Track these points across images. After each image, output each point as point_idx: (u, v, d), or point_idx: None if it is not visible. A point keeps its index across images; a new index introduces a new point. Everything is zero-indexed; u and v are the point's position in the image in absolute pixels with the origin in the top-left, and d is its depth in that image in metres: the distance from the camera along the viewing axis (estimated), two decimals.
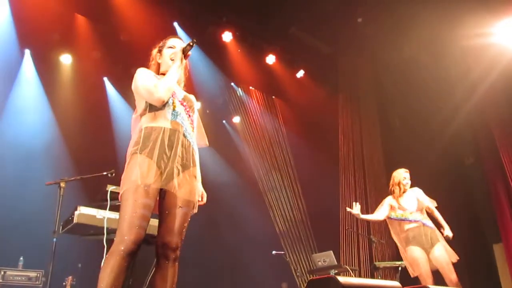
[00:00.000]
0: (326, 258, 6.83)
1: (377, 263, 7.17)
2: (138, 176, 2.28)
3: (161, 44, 2.88)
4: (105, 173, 4.39)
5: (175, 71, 2.59)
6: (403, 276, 6.48)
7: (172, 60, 2.76)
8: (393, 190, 4.87)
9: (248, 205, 9.14)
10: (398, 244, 4.84)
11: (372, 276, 7.65)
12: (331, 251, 6.89)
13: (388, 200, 4.88)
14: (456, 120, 8.11)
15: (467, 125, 8.04)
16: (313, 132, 9.55)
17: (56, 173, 4.94)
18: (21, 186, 6.37)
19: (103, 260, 2.25)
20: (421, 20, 7.43)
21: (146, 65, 2.81)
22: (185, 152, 2.50)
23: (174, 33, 8.11)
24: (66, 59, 7.69)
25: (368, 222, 9.03)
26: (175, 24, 8.15)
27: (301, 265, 8.70)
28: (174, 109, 2.54)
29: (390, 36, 8.16)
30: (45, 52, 7.54)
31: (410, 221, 4.60)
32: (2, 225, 5.93)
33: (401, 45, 8.33)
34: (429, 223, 4.62)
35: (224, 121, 10.42)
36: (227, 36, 8.31)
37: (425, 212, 4.70)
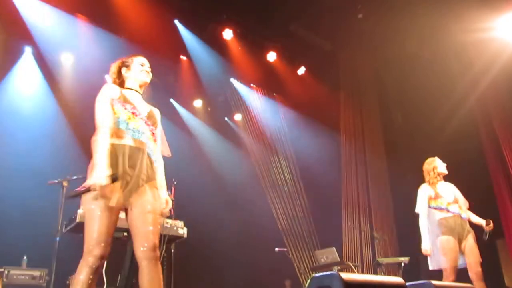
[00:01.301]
0: (328, 254, 6.83)
1: (379, 259, 7.18)
2: (98, 197, 2.41)
3: (127, 60, 2.97)
4: None
5: (97, 167, 2.49)
6: (406, 272, 6.50)
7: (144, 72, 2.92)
8: (429, 178, 4.68)
9: (250, 202, 9.15)
10: (425, 235, 4.55)
11: (375, 272, 7.66)
12: (334, 248, 6.89)
13: (424, 191, 4.65)
14: (458, 116, 8.09)
15: (469, 120, 8.02)
16: (314, 129, 9.54)
17: (59, 172, 4.95)
18: (24, 185, 6.38)
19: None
20: (421, 15, 7.41)
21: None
22: (148, 169, 2.65)
23: (175, 31, 8.14)
24: (67, 59, 7.70)
25: (370, 218, 9.06)
26: (176, 22, 8.16)
27: (304, 262, 8.71)
28: (137, 128, 2.69)
29: (391, 31, 8.14)
30: (47, 52, 7.55)
31: (448, 211, 4.46)
32: (5, 224, 5.95)
33: (402, 40, 8.30)
34: (466, 216, 4.53)
35: (226, 118, 10.42)
36: (227, 34, 8.31)
37: (463, 207, 4.60)
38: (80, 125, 7.57)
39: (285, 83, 9.58)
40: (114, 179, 2.42)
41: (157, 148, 2.79)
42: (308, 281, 2.43)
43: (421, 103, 8.53)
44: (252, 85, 9.94)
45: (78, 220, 3.97)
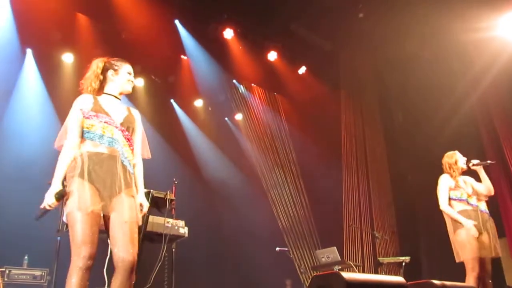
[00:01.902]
0: (329, 254, 6.83)
1: (380, 259, 7.18)
2: (76, 201, 2.53)
3: (115, 63, 2.99)
4: None
5: (52, 186, 2.67)
6: (407, 271, 6.50)
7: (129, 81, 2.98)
8: (451, 171, 4.60)
9: (251, 202, 9.15)
10: (458, 216, 4.46)
11: (376, 272, 7.67)
12: (335, 247, 6.88)
13: (445, 181, 4.59)
14: (459, 115, 8.08)
15: (470, 119, 8.02)
16: (315, 128, 9.54)
17: None
18: (25, 185, 6.38)
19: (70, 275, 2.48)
20: (422, 14, 7.41)
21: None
22: (123, 176, 2.71)
23: (175, 30, 8.14)
24: (68, 58, 7.71)
25: (371, 217, 9.06)
26: (176, 21, 8.15)
27: (305, 262, 8.71)
28: (111, 137, 2.74)
29: (392, 31, 8.13)
30: (47, 51, 7.56)
31: (468, 203, 4.43)
32: (6, 224, 5.95)
33: (402, 40, 8.30)
34: (486, 209, 4.50)
35: (226, 118, 10.42)
36: (228, 33, 8.30)
37: (482, 199, 4.56)
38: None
39: (286, 83, 9.58)
40: (59, 197, 2.57)
41: (135, 153, 2.87)
42: (309, 280, 2.43)
43: (422, 103, 8.53)
44: (252, 84, 9.94)
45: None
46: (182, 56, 8.75)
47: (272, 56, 8.99)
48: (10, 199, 6.27)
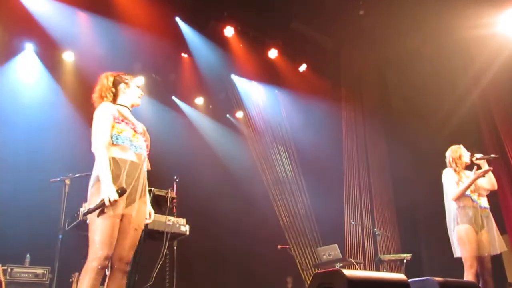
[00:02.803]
0: (331, 251, 6.84)
1: (382, 256, 7.19)
2: (113, 207, 2.61)
3: (126, 77, 3.11)
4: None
5: (104, 183, 2.66)
6: (408, 268, 6.51)
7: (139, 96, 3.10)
8: (455, 165, 4.56)
9: (252, 199, 9.15)
10: (450, 222, 4.49)
11: (377, 269, 7.67)
12: (336, 245, 6.90)
13: (450, 174, 4.54)
14: (460, 112, 8.07)
15: (471, 117, 8.00)
16: (316, 126, 9.53)
17: (61, 170, 4.95)
18: (26, 183, 6.39)
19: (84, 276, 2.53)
20: (423, 11, 7.39)
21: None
22: (143, 183, 2.86)
23: (176, 28, 8.13)
24: (69, 56, 7.71)
25: (373, 215, 9.07)
26: (177, 19, 8.14)
27: (306, 259, 8.72)
28: (138, 143, 2.88)
29: (392, 28, 8.12)
30: (48, 50, 7.55)
31: (471, 199, 4.39)
32: (8, 222, 5.95)
33: (403, 37, 8.28)
34: (486, 205, 4.48)
35: (227, 115, 10.42)
36: (229, 31, 8.29)
37: (484, 194, 4.53)
38: (82, 123, 7.58)
39: (287, 80, 9.57)
40: (121, 193, 2.63)
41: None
42: (311, 278, 2.44)
43: (423, 100, 8.51)
44: (253, 82, 9.93)
45: (80, 218, 3.98)
46: (183, 54, 8.74)
47: (273, 53, 8.97)
48: (12, 197, 6.27)
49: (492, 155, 4.51)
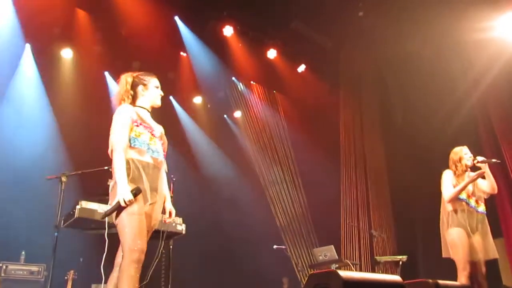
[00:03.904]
0: (327, 252, 6.84)
1: (377, 258, 7.20)
2: (134, 204, 2.65)
3: (144, 78, 3.07)
4: (106, 167, 4.40)
5: (119, 185, 2.67)
6: (404, 270, 6.51)
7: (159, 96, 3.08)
8: (455, 169, 4.51)
9: (249, 199, 9.15)
10: (443, 223, 4.48)
11: (373, 270, 7.68)
12: (332, 246, 6.90)
13: (449, 176, 4.50)
14: (459, 115, 8.08)
15: (470, 120, 8.01)
16: (314, 126, 9.54)
17: (57, 168, 4.94)
18: (22, 180, 6.38)
19: (120, 270, 2.55)
20: (422, 13, 7.39)
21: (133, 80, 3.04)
22: (162, 186, 2.93)
23: (175, 28, 8.12)
24: (67, 53, 7.70)
25: (369, 216, 9.07)
26: (176, 18, 8.13)
27: (302, 260, 8.73)
28: (155, 147, 2.90)
29: (392, 30, 8.12)
30: (46, 46, 7.54)
31: (467, 204, 4.37)
32: (4, 220, 5.95)
33: (402, 39, 8.29)
34: (484, 210, 4.46)
35: (225, 116, 10.41)
36: (228, 31, 8.28)
37: (482, 199, 4.50)
38: (79, 119, 7.57)
39: (285, 81, 9.57)
40: (136, 193, 2.65)
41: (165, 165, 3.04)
42: (306, 278, 2.44)
43: (422, 103, 8.52)
44: (252, 82, 9.92)
45: (76, 215, 3.97)
46: (182, 53, 8.73)
47: (272, 53, 8.98)
48: (8, 194, 6.25)
49: (494, 160, 4.49)
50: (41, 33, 7.20)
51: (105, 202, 3.84)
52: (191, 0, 7.86)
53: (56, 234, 4.07)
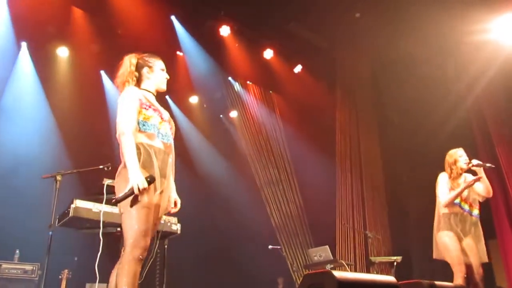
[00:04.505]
0: (322, 253, 6.85)
1: (372, 258, 7.22)
2: (144, 194, 2.49)
3: (149, 60, 2.91)
4: (101, 166, 4.39)
5: (131, 170, 2.51)
6: (398, 271, 6.53)
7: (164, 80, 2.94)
8: (449, 170, 4.50)
9: (244, 200, 9.15)
10: (436, 225, 4.52)
11: (368, 271, 7.70)
12: (327, 246, 6.91)
13: (444, 179, 4.49)
14: (454, 118, 8.10)
15: (465, 123, 8.03)
16: (310, 127, 9.55)
17: (53, 166, 4.93)
18: (17, 179, 6.35)
19: (120, 266, 2.44)
20: (419, 15, 7.41)
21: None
22: (170, 172, 2.78)
23: (171, 28, 8.10)
24: (63, 52, 7.67)
25: (364, 217, 9.08)
26: (172, 17, 8.12)
27: (297, 260, 8.73)
28: (165, 131, 2.77)
29: (388, 31, 8.14)
30: (42, 45, 7.51)
31: (460, 208, 4.37)
32: None
33: (399, 40, 8.31)
34: (477, 214, 4.46)
35: (221, 116, 10.40)
36: (224, 31, 8.28)
37: (477, 202, 4.50)
38: (75, 119, 7.55)
39: (282, 81, 9.57)
40: (151, 181, 2.49)
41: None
42: (301, 279, 2.44)
43: (418, 105, 8.54)
44: (248, 82, 9.92)
45: (71, 214, 3.95)
46: (178, 52, 8.72)
47: (268, 54, 8.98)
48: (3, 193, 6.23)
49: (488, 164, 4.43)
50: (37, 32, 7.17)
51: (100, 201, 3.83)
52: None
53: (50, 233, 4.05)
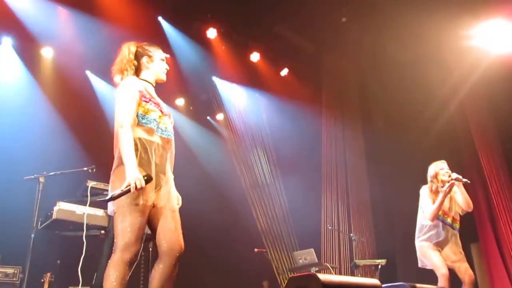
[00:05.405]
0: (307, 255, 6.88)
1: (357, 261, 7.26)
2: (139, 194, 2.37)
3: (149, 49, 2.82)
4: (85, 168, 4.35)
5: (129, 166, 2.38)
6: (383, 273, 6.58)
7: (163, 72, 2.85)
8: (431, 184, 4.49)
9: (230, 202, 9.13)
10: (417, 235, 4.59)
11: (352, 274, 7.73)
12: (312, 249, 6.93)
13: (426, 192, 4.50)
14: (438, 123, 8.19)
15: (449, 128, 8.13)
16: (296, 130, 9.57)
17: (36, 168, 4.85)
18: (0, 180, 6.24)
19: (109, 269, 2.33)
20: (405, 20, 7.48)
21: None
22: (168, 168, 2.64)
23: (158, 28, 8.06)
24: (47, 52, 7.57)
25: (349, 220, 9.14)
26: (160, 18, 8.08)
27: (282, 263, 8.73)
28: (166, 127, 2.62)
29: (374, 36, 8.22)
30: (26, 45, 7.40)
31: (442, 221, 4.39)
32: None
33: (384, 45, 8.39)
34: (457, 228, 4.50)
35: (208, 117, 10.37)
36: (211, 33, 8.27)
37: (458, 215, 4.52)
38: (60, 120, 7.45)
39: (268, 84, 9.59)
40: (148, 180, 2.37)
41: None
42: (286, 282, 2.44)
43: (403, 109, 8.61)
44: (235, 85, 9.91)
45: (54, 217, 3.91)
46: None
47: (255, 57, 8.99)
48: None
49: (465, 180, 4.38)
50: (21, 31, 7.07)
51: (84, 203, 3.79)
52: (175, 1, 7.83)
53: (33, 236, 4.00)
